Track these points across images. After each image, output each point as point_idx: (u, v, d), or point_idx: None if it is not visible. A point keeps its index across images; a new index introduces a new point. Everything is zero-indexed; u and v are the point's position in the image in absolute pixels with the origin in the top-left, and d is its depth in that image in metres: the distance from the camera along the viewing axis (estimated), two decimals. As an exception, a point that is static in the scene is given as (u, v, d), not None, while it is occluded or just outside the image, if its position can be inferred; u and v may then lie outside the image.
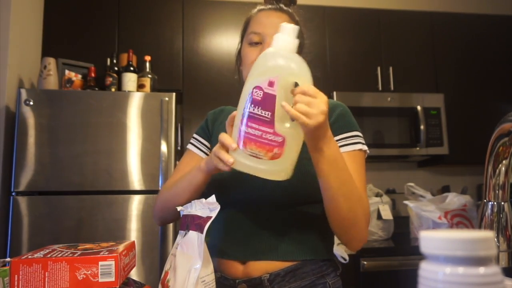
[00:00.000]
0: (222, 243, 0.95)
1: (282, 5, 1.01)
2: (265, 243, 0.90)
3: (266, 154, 0.69)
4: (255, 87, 0.69)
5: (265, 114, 0.69)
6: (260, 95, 0.69)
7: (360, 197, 0.84)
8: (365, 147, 0.94)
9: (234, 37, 2.57)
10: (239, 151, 0.71)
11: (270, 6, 1.00)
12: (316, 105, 0.68)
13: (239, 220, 0.93)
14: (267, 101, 0.68)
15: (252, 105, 0.69)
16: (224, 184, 0.95)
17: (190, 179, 0.91)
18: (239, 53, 1.05)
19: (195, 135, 1.10)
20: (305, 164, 0.85)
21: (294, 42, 0.71)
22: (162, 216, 1.02)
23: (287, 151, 0.70)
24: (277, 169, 0.71)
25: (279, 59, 0.70)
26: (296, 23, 1.00)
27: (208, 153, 1.06)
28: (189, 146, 1.09)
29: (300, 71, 0.71)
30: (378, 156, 2.63)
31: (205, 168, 0.86)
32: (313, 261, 0.91)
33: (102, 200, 1.94)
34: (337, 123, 0.93)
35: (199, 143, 1.08)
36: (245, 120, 0.70)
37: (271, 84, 0.69)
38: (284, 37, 0.71)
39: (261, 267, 0.89)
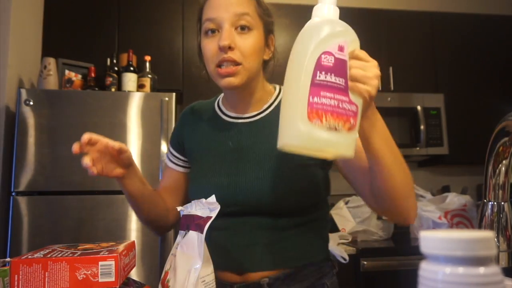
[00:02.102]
0: (213, 255, 0.87)
1: None
2: (259, 255, 0.85)
3: (344, 125, 0.61)
4: (324, 53, 0.61)
5: (339, 81, 0.62)
6: (331, 61, 0.62)
7: (405, 164, 0.77)
8: None
9: (234, 37, 2.56)
10: (309, 126, 0.60)
11: None
12: (370, 68, 0.62)
13: (228, 232, 0.87)
14: (339, 67, 0.62)
15: (323, 73, 0.61)
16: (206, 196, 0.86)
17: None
18: (199, 46, 0.91)
19: (169, 147, 1.04)
20: (294, 171, 0.84)
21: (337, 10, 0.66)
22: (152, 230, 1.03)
23: (358, 121, 0.63)
24: (350, 142, 0.63)
25: (343, 24, 0.64)
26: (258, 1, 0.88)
27: (184, 165, 1.01)
28: (166, 159, 1.05)
29: (356, 38, 0.65)
30: (378, 156, 2.62)
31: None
32: (312, 264, 0.88)
33: (102, 200, 1.94)
34: None
35: (172, 156, 1.02)
36: (314, 90, 0.61)
37: (341, 48, 0.63)
38: (333, 6, 0.65)
39: (259, 274, 0.86)
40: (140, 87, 2.26)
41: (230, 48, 0.81)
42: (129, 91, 2.13)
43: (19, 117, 1.92)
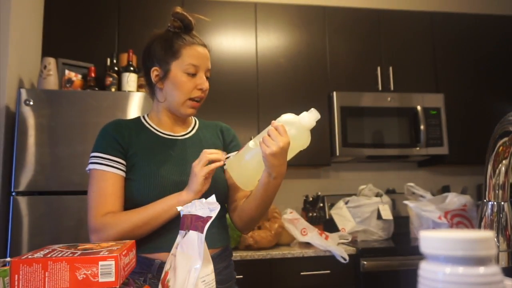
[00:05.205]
0: (158, 241, 1.05)
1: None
2: (210, 238, 1.04)
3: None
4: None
5: None
6: None
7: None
8: None
9: (234, 37, 2.57)
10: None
11: (199, 41, 1.18)
12: (277, 138, 0.92)
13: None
14: None
15: None
16: (158, 191, 1.07)
17: (170, 207, 1.03)
18: (165, 72, 1.15)
19: (105, 155, 1.08)
20: (221, 173, 1.13)
21: (312, 124, 0.95)
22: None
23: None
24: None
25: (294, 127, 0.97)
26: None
27: (124, 170, 1.09)
28: (99, 166, 1.07)
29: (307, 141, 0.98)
30: (378, 156, 2.63)
31: (197, 189, 1.01)
32: (227, 247, 1.17)
33: (102, 200, 1.93)
34: (234, 141, 1.24)
35: (113, 162, 1.08)
36: None
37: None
38: (311, 117, 0.94)
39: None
40: (140, 87, 2.26)
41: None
42: (129, 91, 2.13)
43: (19, 117, 1.92)
